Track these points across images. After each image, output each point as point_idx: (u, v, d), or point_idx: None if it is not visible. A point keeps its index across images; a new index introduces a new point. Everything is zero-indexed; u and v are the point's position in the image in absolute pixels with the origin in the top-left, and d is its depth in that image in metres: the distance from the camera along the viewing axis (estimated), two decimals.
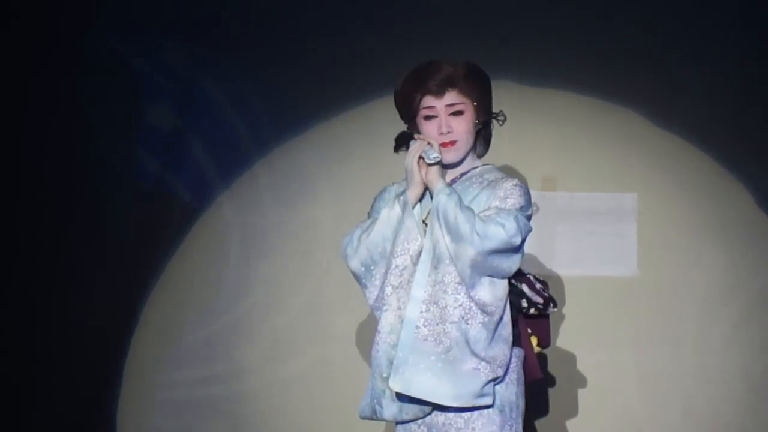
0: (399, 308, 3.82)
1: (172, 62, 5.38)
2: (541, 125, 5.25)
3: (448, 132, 3.89)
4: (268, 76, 5.35)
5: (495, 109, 3.99)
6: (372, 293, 3.88)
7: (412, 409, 3.80)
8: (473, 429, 3.76)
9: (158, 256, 5.36)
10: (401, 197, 3.86)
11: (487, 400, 3.75)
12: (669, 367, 5.13)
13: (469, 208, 3.78)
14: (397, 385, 3.75)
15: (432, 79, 3.88)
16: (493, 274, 3.78)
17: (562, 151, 5.25)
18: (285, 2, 5.39)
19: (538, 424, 5.02)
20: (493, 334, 3.77)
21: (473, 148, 3.98)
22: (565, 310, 5.10)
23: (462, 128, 3.91)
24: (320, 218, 5.28)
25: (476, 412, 3.76)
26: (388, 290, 3.84)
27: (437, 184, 3.81)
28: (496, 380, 3.77)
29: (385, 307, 3.84)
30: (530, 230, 3.84)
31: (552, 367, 5.04)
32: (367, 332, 4.91)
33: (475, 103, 3.92)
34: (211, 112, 5.40)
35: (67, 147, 5.37)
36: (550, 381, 5.07)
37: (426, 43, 5.05)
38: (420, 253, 3.82)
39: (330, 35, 5.33)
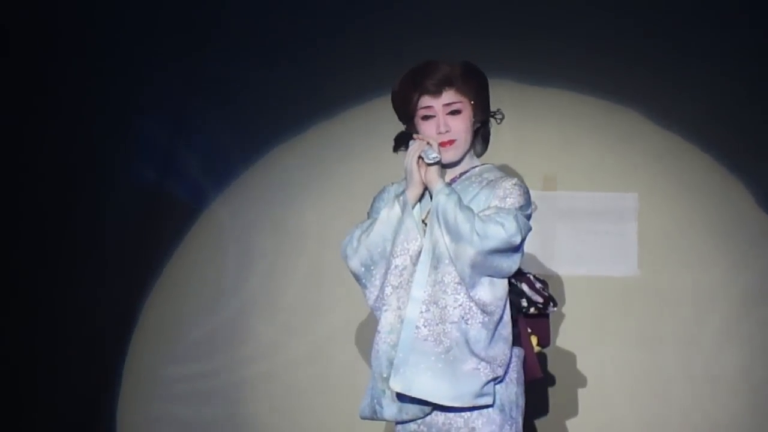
0: (399, 308, 3.82)
1: (171, 62, 5.38)
2: (542, 125, 5.25)
3: (447, 131, 3.89)
4: (268, 75, 5.35)
5: (493, 108, 3.99)
6: (372, 293, 3.88)
7: (412, 409, 3.80)
8: (473, 428, 3.76)
9: (157, 256, 5.36)
10: (401, 197, 3.86)
11: (487, 400, 3.75)
12: (669, 366, 5.13)
13: (469, 208, 3.78)
14: (397, 386, 3.76)
15: (429, 78, 3.88)
16: (493, 274, 3.78)
17: (563, 150, 5.25)
18: (285, 2, 5.39)
19: (538, 423, 5.02)
20: (493, 333, 3.77)
21: (472, 147, 3.98)
22: (565, 310, 5.10)
23: (460, 127, 3.91)
24: (319, 218, 5.28)
25: (476, 412, 3.76)
26: (388, 290, 3.84)
27: (437, 184, 3.81)
28: (496, 380, 3.78)
29: (385, 307, 3.85)
30: (530, 229, 3.84)
31: (552, 367, 5.04)
32: (367, 332, 4.91)
33: (472, 102, 3.92)
34: (210, 113, 5.39)
35: (67, 148, 5.36)
36: (550, 380, 5.07)
37: (426, 42, 5.05)
38: (420, 253, 3.82)
39: (330, 35, 5.33)
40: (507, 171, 4.32)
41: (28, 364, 5.30)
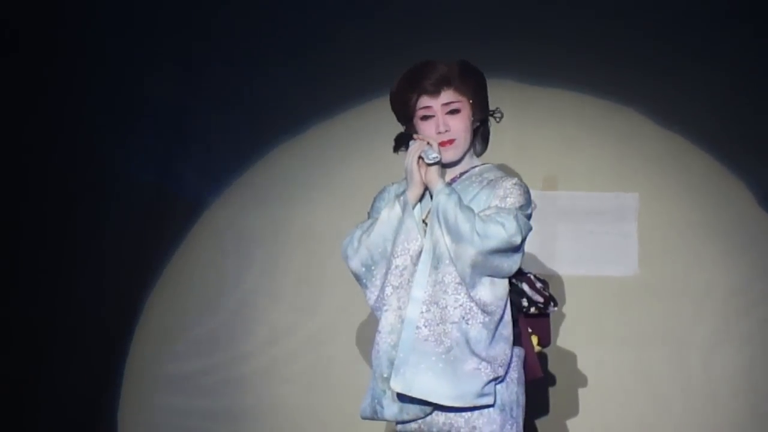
0: (399, 308, 3.82)
1: (172, 62, 5.38)
2: (542, 125, 5.25)
3: (446, 131, 3.90)
4: (269, 75, 5.35)
5: (492, 107, 3.99)
6: (372, 293, 3.88)
7: (412, 409, 3.80)
8: (474, 428, 3.76)
9: (158, 256, 5.36)
10: (401, 197, 3.86)
11: (488, 400, 3.75)
12: (669, 366, 5.13)
13: (469, 208, 3.78)
14: (398, 386, 3.76)
15: (427, 78, 3.88)
16: (494, 274, 3.78)
17: (563, 150, 5.25)
18: (285, 3, 5.39)
19: (539, 423, 5.02)
20: (494, 333, 3.77)
21: (472, 146, 3.98)
22: (565, 310, 5.10)
23: (459, 126, 3.91)
24: (320, 218, 5.28)
25: (477, 412, 3.76)
26: (389, 290, 3.85)
27: (437, 184, 3.81)
28: (496, 380, 3.78)
29: (385, 308, 3.85)
30: (530, 229, 3.84)
31: (552, 367, 5.04)
32: (367, 332, 4.91)
33: (471, 101, 3.92)
34: (211, 113, 5.40)
35: (68, 148, 5.36)
36: (551, 380, 5.07)
37: (426, 42, 5.05)
38: (420, 253, 3.82)
39: (330, 35, 5.33)
40: (507, 171, 4.32)
41: (28, 363, 5.30)
